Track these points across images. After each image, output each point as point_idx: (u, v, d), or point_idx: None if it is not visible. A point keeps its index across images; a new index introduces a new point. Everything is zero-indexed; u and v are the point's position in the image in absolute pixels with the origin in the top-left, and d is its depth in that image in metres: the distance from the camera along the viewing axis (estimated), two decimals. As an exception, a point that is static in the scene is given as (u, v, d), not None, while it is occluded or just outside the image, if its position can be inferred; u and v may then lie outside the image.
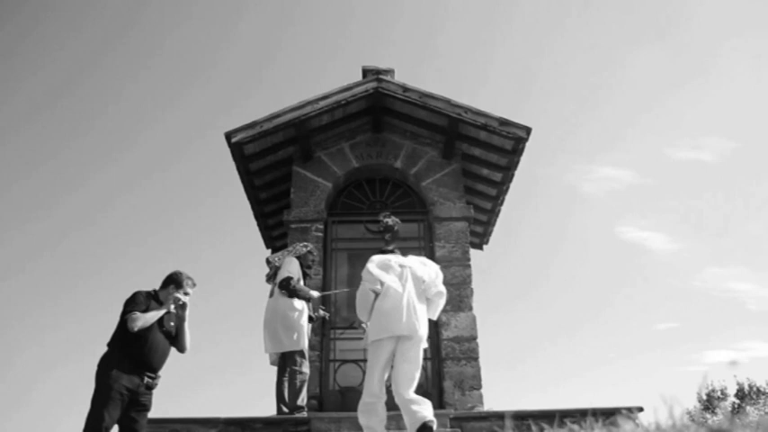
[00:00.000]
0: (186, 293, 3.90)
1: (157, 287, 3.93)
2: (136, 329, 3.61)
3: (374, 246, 6.82)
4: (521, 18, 38.62)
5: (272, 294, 5.32)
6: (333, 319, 6.36)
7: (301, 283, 5.28)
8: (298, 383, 4.98)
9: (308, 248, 5.59)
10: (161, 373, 3.84)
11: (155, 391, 3.74)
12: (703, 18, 39.28)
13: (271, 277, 5.47)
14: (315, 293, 5.38)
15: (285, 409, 4.97)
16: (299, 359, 5.07)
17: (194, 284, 3.96)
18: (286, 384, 5.05)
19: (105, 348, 3.72)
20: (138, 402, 3.64)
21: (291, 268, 5.28)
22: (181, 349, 3.96)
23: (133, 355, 3.64)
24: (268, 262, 5.61)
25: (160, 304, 3.79)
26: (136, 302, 3.72)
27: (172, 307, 3.79)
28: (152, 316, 3.68)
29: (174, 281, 3.90)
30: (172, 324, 3.87)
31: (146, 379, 3.67)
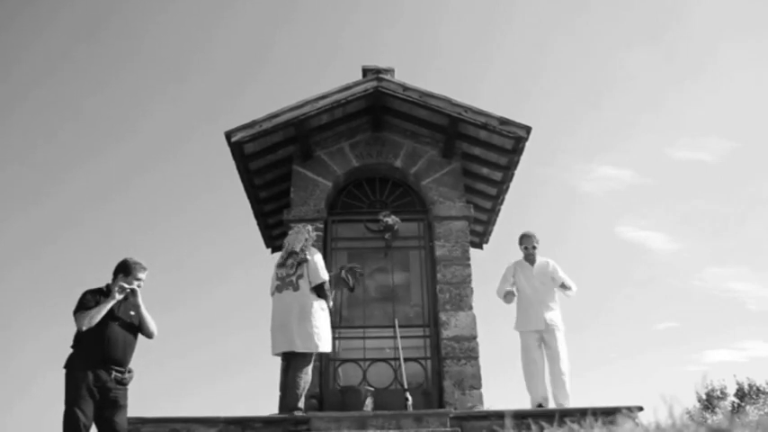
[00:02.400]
0: (137, 278, 3.89)
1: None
2: (84, 328, 3.61)
3: (374, 245, 6.83)
4: (521, 18, 38.63)
5: (297, 287, 5.09)
6: (333, 318, 6.36)
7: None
8: (302, 385, 4.94)
9: (317, 232, 5.61)
10: (134, 366, 3.83)
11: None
12: (703, 17, 39.28)
13: (297, 264, 5.19)
14: (330, 303, 5.34)
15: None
16: (310, 362, 5.03)
17: (144, 268, 3.94)
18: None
19: (70, 351, 3.73)
20: (109, 398, 3.63)
21: (324, 266, 5.23)
22: (147, 335, 3.95)
23: (95, 352, 3.64)
24: (292, 251, 5.28)
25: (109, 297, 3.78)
26: (83, 302, 3.72)
27: (117, 296, 3.77)
28: (97, 310, 3.66)
29: (122, 269, 3.89)
30: (132, 314, 3.86)
31: (113, 373, 3.66)
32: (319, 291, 5.12)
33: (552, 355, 5.56)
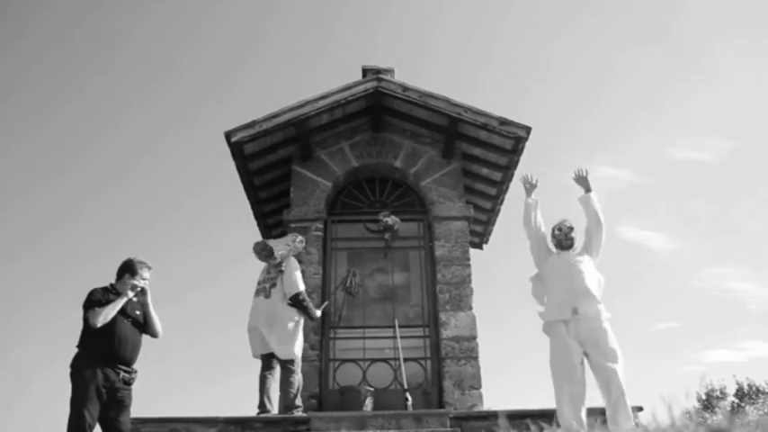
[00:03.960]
0: (143, 278, 3.91)
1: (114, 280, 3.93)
2: (99, 325, 3.61)
3: (374, 245, 6.84)
4: (521, 17, 38.67)
5: (268, 295, 5.18)
6: (333, 318, 6.37)
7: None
8: (296, 384, 4.98)
9: (304, 245, 5.67)
10: (137, 366, 3.84)
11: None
12: (702, 17, 39.32)
13: (273, 269, 5.29)
14: (318, 313, 5.35)
15: (269, 407, 4.93)
16: (292, 364, 5.06)
17: (149, 268, 3.97)
18: (271, 381, 5.02)
19: (76, 350, 3.72)
20: (116, 399, 3.63)
21: (300, 277, 5.23)
22: (153, 335, 3.96)
23: (104, 351, 3.63)
24: (269, 252, 5.32)
25: (119, 296, 3.80)
26: (93, 299, 3.72)
27: (130, 294, 3.79)
28: (111, 308, 3.68)
29: (128, 269, 3.90)
30: (138, 313, 3.88)
31: (121, 373, 3.67)
32: (296, 302, 5.13)
33: (600, 369, 3.90)
